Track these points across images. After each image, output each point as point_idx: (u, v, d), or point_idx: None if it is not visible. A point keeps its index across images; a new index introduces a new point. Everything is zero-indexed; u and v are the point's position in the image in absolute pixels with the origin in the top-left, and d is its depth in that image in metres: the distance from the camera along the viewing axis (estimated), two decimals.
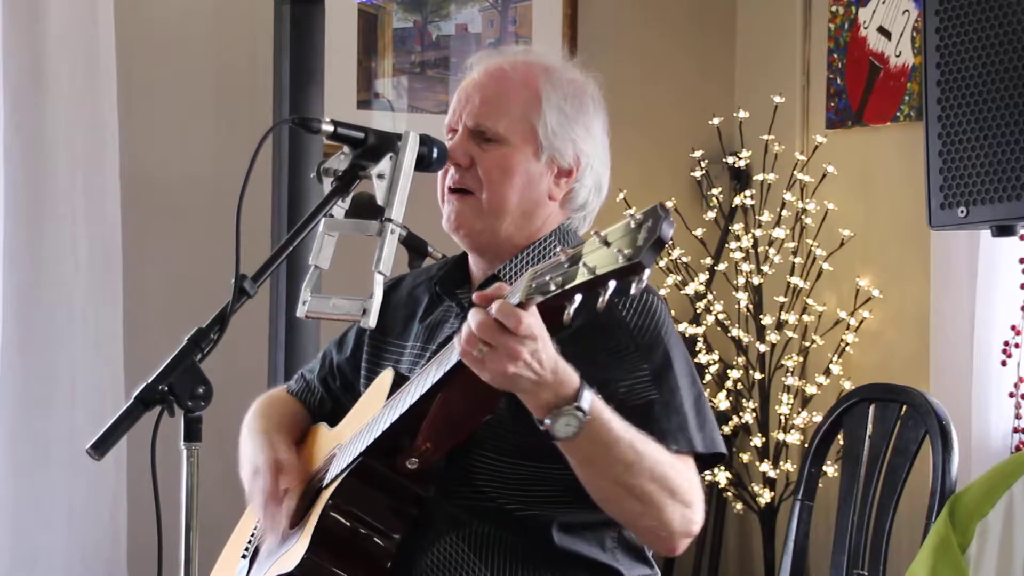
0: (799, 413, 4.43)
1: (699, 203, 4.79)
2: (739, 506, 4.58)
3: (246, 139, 3.74)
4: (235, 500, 2.59)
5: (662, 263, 4.54)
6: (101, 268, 3.98)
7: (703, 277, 4.61)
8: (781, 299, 4.49)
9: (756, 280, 4.54)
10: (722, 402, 4.51)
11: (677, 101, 4.86)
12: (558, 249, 2.01)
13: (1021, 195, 2.38)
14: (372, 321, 2.13)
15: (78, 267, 3.95)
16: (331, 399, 2.59)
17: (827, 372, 4.40)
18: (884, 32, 4.43)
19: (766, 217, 4.52)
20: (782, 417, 4.44)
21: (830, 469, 3.86)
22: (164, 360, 2.00)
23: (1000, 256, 3.86)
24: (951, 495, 2.41)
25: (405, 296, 2.51)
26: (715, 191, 4.67)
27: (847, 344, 4.39)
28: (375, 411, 2.27)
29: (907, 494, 2.98)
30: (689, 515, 2.18)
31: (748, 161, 4.65)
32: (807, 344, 4.47)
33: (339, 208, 2.18)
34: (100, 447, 1.95)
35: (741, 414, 4.54)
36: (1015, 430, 3.85)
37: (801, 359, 4.47)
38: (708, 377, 4.53)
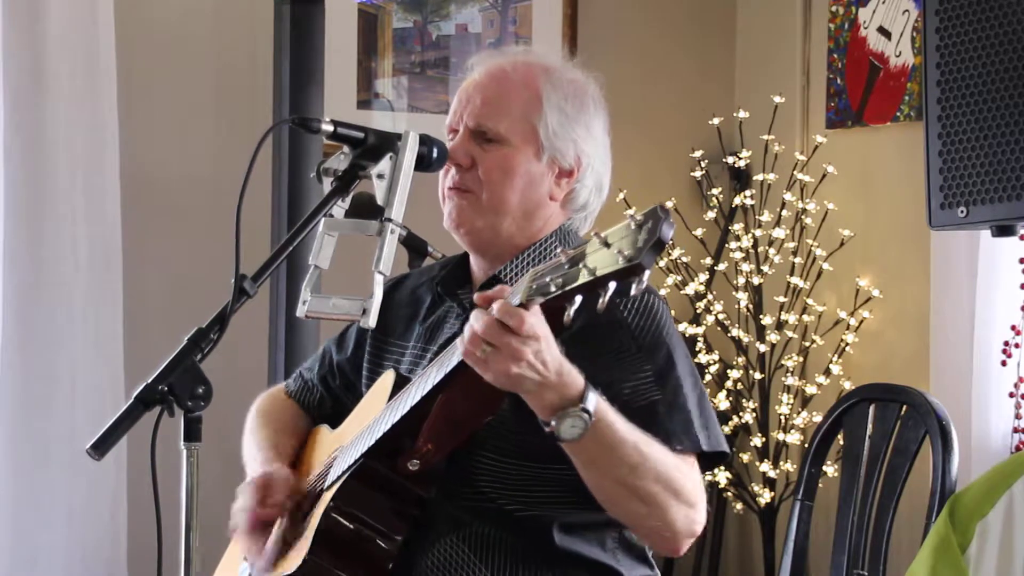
0: (799, 413, 4.43)
1: (699, 203, 4.79)
2: (739, 506, 4.58)
3: (246, 139, 3.74)
4: (235, 500, 2.59)
5: (662, 263, 4.54)
6: (101, 268, 3.98)
7: (703, 277, 4.61)
8: (781, 299, 4.49)
9: (756, 280, 4.54)
10: (722, 402, 4.51)
11: (677, 101, 4.86)
12: (558, 250, 2.01)
13: (1021, 195, 2.38)
14: (372, 321, 2.13)
15: (78, 267, 3.95)
16: (331, 398, 2.58)
17: (827, 372, 4.40)
18: (884, 32, 4.43)
19: (766, 217, 4.52)
20: (782, 417, 4.44)
21: (830, 469, 3.86)
22: (164, 360, 2.00)
23: (1000, 256, 3.86)
24: (951, 495, 2.41)
25: (407, 296, 2.51)
26: (715, 191, 4.67)
27: (847, 344, 4.39)
28: (376, 413, 2.27)
29: (907, 494, 2.98)
30: (693, 515, 2.18)
31: (748, 161, 4.65)
32: (807, 344, 4.47)
33: (339, 208, 2.18)
34: (100, 447, 1.95)
35: (741, 414, 4.54)
36: (1015, 430, 3.86)
37: (801, 359, 4.47)
38: (708, 377, 4.53)
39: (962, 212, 2.47)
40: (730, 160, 4.66)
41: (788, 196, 4.51)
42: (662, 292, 3.87)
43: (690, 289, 4.58)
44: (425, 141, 2.23)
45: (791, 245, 4.50)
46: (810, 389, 4.42)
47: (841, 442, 3.18)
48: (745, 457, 4.56)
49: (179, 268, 4.17)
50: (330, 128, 2.19)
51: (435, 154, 2.25)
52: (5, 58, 3.89)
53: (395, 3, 4.50)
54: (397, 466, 2.17)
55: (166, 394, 1.97)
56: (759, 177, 4.59)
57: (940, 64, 2.50)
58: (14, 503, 3.90)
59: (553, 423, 2.01)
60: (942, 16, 2.50)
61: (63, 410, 3.92)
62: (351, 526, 2.19)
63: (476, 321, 1.94)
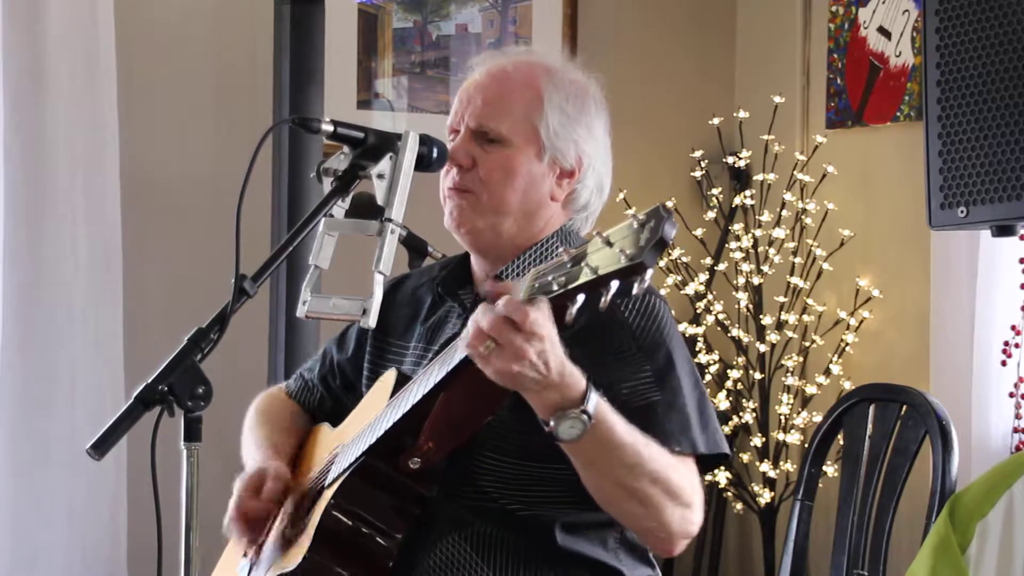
0: (799, 413, 4.43)
1: (699, 203, 4.79)
2: (739, 506, 4.58)
3: (246, 139, 3.74)
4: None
5: (662, 263, 4.54)
6: (101, 268, 3.98)
7: (703, 277, 4.61)
8: (781, 299, 4.49)
9: (756, 280, 4.54)
10: (722, 402, 4.51)
11: (677, 101, 4.86)
12: (560, 249, 2.02)
13: (1021, 195, 2.38)
14: (372, 321, 2.13)
15: (78, 267, 3.95)
16: (331, 398, 2.59)
17: (827, 372, 4.40)
18: (884, 32, 4.43)
19: (766, 217, 4.52)
20: (782, 417, 4.44)
21: (830, 469, 3.86)
22: (164, 360, 2.00)
23: (1000, 256, 3.86)
24: (951, 495, 2.41)
25: (408, 296, 2.51)
26: (715, 191, 4.67)
27: (847, 344, 4.39)
28: (378, 411, 2.27)
29: (907, 494, 2.98)
30: (689, 516, 2.18)
31: (748, 161, 4.65)
32: (807, 344, 4.47)
33: (339, 208, 2.18)
34: (100, 447, 1.95)
35: (741, 414, 4.54)
36: (1015, 430, 3.86)
37: (801, 359, 4.47)
38: (708, 377, 4.53)
39: (962, 212, 2.47)
40: (730, 160, 4.66)
41: (788, 196, 4.51)
42: (662, 292, 3.87)
43: (690, 289, 4.58)
44: (425, 141, 2.23)
45: (791, 245, 4.50)
46: (810, 389, 4.42)
47: (841, 442, 3.18)
48: (745, 457, 4.56)
49: (179, 268, 4.17)
50: (330, 128, 2.19)
51: (435, 154, 2.25)
52: (5, 58, 3.89)
53: (395, 3, 4.50)
54: (398, 464, 2.17)
55: (166, 394, 1.97)
56: (759, 177, 4.59)
57: (940, 64, 2.50)
58: (14, 503, 3.90)
59: (552, 423, 2.01)
60: (942, 16, 2.50)
61: (63, 410, 3.92)
62: (352, 524, 2.19)
63: (482, 316, 1.94)
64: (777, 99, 4.57)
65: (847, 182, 4.49)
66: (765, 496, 4.46)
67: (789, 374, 4.44)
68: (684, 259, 4.61)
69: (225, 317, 2.03)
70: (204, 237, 4.07)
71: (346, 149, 2.21)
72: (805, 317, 4.48)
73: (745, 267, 4.54)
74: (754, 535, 4.65)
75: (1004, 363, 3.85)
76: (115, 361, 3.97)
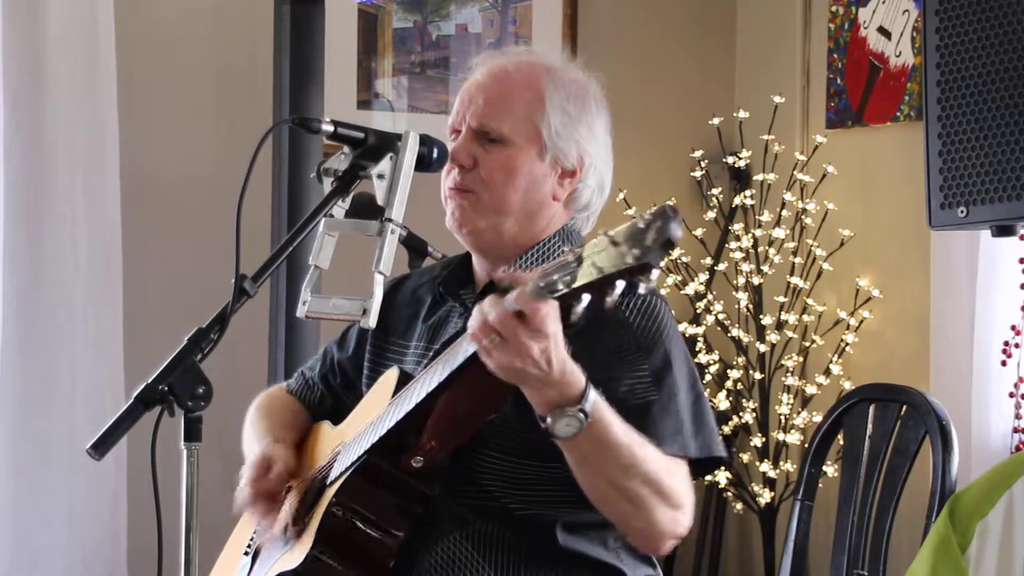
0: (799, 413, 4.43)
1: (699, 203, 4.79)
2: (739, 506, 4.58)
3: (246, 139, 3.74)
4: (235, 500, 2.59)
5: (662, 263, 4.53)
6: (101, 268, 3.98)
7: (703, 277, 4.61)
8: (781, 299, 4.49)
9: (756, 280, 4.54)
10: (722, 402, 4.51)
11: (677, 101, 4.86)
12: (566, 249, 2.02)
13: (1021, 195, 2.39)
14: (372, 321, 2.13)
15: (78, 267, 3.95)
16: (331, 396, 2.59)
17: (827, 372, 4.40)
18: (884, 32, 4.43)
19: (766, 217, 4.52)
20: (782, 417, 4.44)
21: (830, 469, 3.86)
22: (164, 360, 2.00)
23: (1000, 256, 3.86)
24: (951, 495, 2.41)
25: (408, 296, 2.51)
26: (715, 191, 4.67)
27: (847, 344, 4.39)
28: (379, 409, 2.27)
29: (907, 494, 2.98)
30: (678, 518, 2.18)
31: (748, 161, 4.65)
32: (807, 344, 4.47)
33: (339, 208, 2.18)
34: (100, 447, 1.95)
35: (741, 414, 4.54)
36: (1015, 430, 3.85)
37: (801, 359, 4.47)
38: (708, 377, 4.53)
39: (962, 212, 2.48)
40: (730, 160, 4.66)
41: (788, 196, 4.51)
42: (662, 292, 3.87)
43: (690, 289, 4.58)
44: (425, 141, 2.23)
45: (791, 245, 4.50)
46: (810, 389, 4.42)
47: (841, 442, 3.18)
48: (745, 457, 4.56)
49: (179, 268, 4.17)
50: (330, 128, 2.19)
51: (435, 154, 2.25)
52: (5, 58, 3.89)
53: (395, 3, 4.50)
54: (401, 463, 2.18)
55: (166, 394, 1.97)
56: (759, 177, 4.59)
57: (940, 64, 2.50)
58: (14, 503, 3.90)
59: (549, 420, 2.02)
60: (942, 16, 2.50)
61: (63, 410, 3.92)
62: (354, 522, 2.20)
63: (489, 309, 1.94)
64: (777, 99, 4.57)
65: (847, 182, 4.49)
66: (765, 496, 4.46)
67: (789, 374, 4.44)
68: (684, 259, 4.61)
69: (225, 317, 2.03)
70: (204, 237, 4.07)
71: (346, 149, 2.21)
72: (805, 317, 4.48)
73: (745, 267, 4.54)
74: (754, 535, 4.65)
75: (1004, 363, 3.85)
76: (115, 361, 3.97)
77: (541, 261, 2.32)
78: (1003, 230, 2.48)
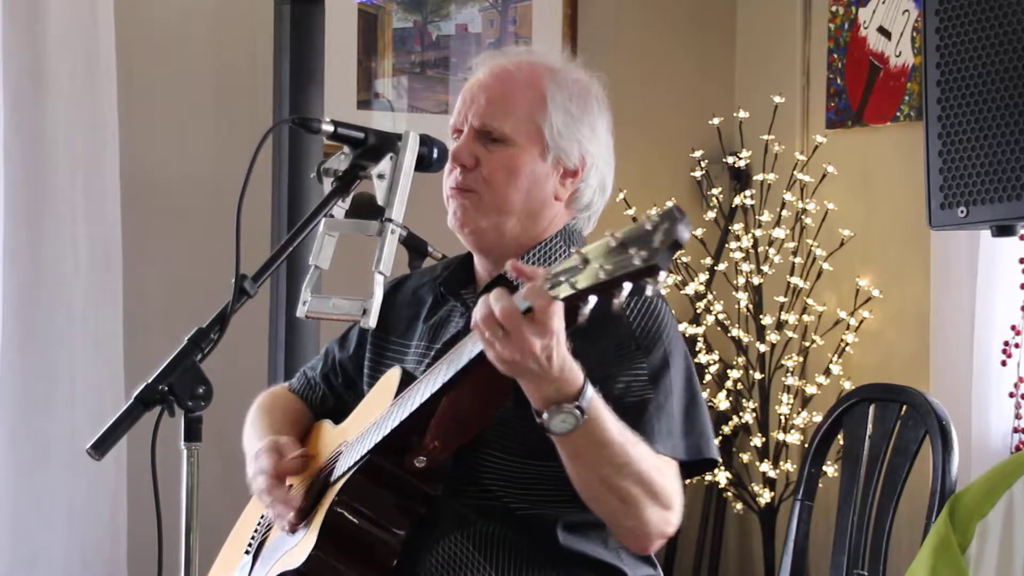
0: (799, 413, 4.43)
1: (699, 203, 4.79)
2: (739, 506, 4.58)
3: (246, 139, 3.75)
4: (235, 500, 2.59)
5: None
6: (101, 268, 3.98)
7: (703, 277, 4.61)
8: (781, 299, 4.49)
9: (756, 280, 4.54)
10: (722, 402, 4.51)
11: (677, 101, 4.86)
12: (572, 250, 2.02)
13: (1021, 195, 2.39)
14: (372, 321, 2.13)
15: (78, 267, 3.95)
16: (333, 396, 2.59)
17: (827, 372, 4.40)
18: (884, 32, 4.43)
19: (766, 217, 4.52)
20: (782, 417, 4.44)
21: (830, 469, 3.86)
22: (164, 360, 2.00)
23: (1000, 256, 3.86)
24: (951, 495, 2.41)
25: (409, 296, 2.51)
26: (715, 191, 4.67)
27: (847, 344, 4.39)
28: (382, 409, 2.28)
29: (907, 494, 2.98)
30: (668, 517, 2.19)
31: (748, 161, 4.65)
32: (807, 344, 4.47)
33: (339, 208, 2.18)
34: (100, 447, 1.96)
35: (741, 414, 4.54)
36: (1015, 430, 3.86)
37: (801, 359, 4.47)
38: (708, 377, 4.53)
39: (962, 212, 2.48)
40: (730, 160, 4.66)
41: (788, 196, 4.51)
42: (662, 292, 3.87)
43: (690, 289, 4.58)
44: (425, 141, 2.24)
45: (791, 245, 4.50)
46: (810, 389, 4.42)
47: (841, 442, 3.18)
48: (745, 457, 4.56)
49: (179, 268, 4.17)
50: (330, 128, 2.20)
51: (435, 154, 2.26)
52: (5, 58, 3.89)
53: (395, 3, 4.50)
54: (404, 463, 2.18)
55: (166, 394, 1.97)
56: (759, 177, 4.59)
57: (940, 64, 2.50)
58: (14, 503, 3.90)
59: (545, 415, 2.02)
60: (942, 16, 2.50)
61: (63, 410, 3.92)
62: (357, 521, 2.20)
63: (495, 302, 1.94)
64: (777, 99, 4.57)
65: (847, 182, 4.50)
66: (765, 496, 4.46)
67: (789, 374, 4.44)
68: (684, 259, 4.61)
69: (225, 317, 2.03)
70: (204, 237, 4.07)
71: (346, 149, 2.21)
72: (805, 317, 4.48)
73: (745, 267, 4.54)
74: (754, 535, 4.65)
75: (1004, 363, 3.85)
76: (115, 361, 3.97)
77: (542, 261, 2.32)
78: (1003, 230, 2.48)
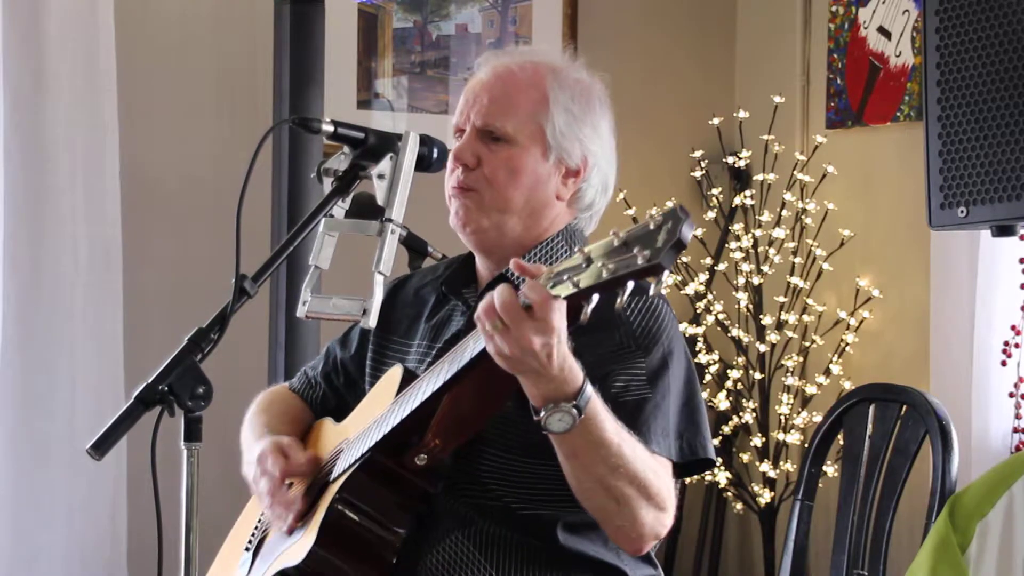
0: (799, 413, 4.43)
1: (699, 203, 4.79)
2: (739, 506, 4.58)
3: (246, 139, 3.75)
4: (235, 500, 2.59)
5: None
6: (101, 268, 3.97)
7: (703, 277, 4.61)
8: (781, 299, 4.49)
9: (756, 280, 4.54)
10: (722, 402, 4.51)
11: (677, 101, 4.86)
12: (576, 248, 2.02)
13: (1021, 195, 2.39)
14: (372, 321, 2.13)
15: (78, 267, 3.95)
16: (334, 395, 2.59)
17: (827, 372, 4.40)
18: (884, 32, 4.43)
19: (766, 217, 4.53)
20: (782, 417, 4.44)
21: (830, 469, 3.86)
22: (164, 360, 2.00)
23: (1000, 256, 3.86)
24: (951, 495, 2.41)
25: (411, 295, 2.51)
26: (715, 191, 4.67)
27: (847, 344, 4.39)
28: (383, 407, 2.28)
29: (907, 494, 2.98)
30: (661, 518, 2.19)
31: (748, 161, 4.65)
32: (807, 344, 4.47)
33: (339, 208, 2.18)
34: (100, 447, 1.96)
35: (741, 414, 4.54)
36: (1015, 430, 3.86)
37: (801, 359, 4.47)
38: (708, 377, 4.53)
39: (962, 212, 2.48)
40: (730, 160, 4.66)
41: (788, 196, 4.51)
42: (662, 292, 3.87)
43: (690, 289, 4.58)
44: (425, 141, 2.24)
45: (791, 245, 4.50)
46: (810, 389, 4.42)
47: (841, 442, 3.18)
48: (745, 457, 4.56)
49: (179, 268, 4.17)
50: (330, 128, 2.20)
51: (435, 154, 2.26)
52: (5, 58, 3.89)
53: (395, 3, 4.50)
54: (404, 461, 2.18)
55: (166, 394, 1.97)
56: (759, 177, 4.59)
57: (940, 64, 2.50)
58: (14, 503, 3.90)
59: (543, 413, 2.03)
60: (942, 16, 2.50)
61: (63, 410, 3.92)
62: (357, 519, 2.20)
63: (498, 297, 1.94)
64: (777, 99, 4.57)
65: (847, 182, 4.50)
66: (765, 496, 4.46)
67: (789, 374, 4.44)
68: (684, 259, 4.61)
69: (225, 317, 2.03)
70: (204, 237, 4.07)
71: (346, 149, 2.22)
72: (805, 317, 4.48)
73: (745, 267, 4.54)
74: (754, 535, 4.65)
75: (1004, 363, 3.85)
76: (115, 361, 3.97)
77: (544, 260, 2.32)
78: (1003, 230, 2.48)
